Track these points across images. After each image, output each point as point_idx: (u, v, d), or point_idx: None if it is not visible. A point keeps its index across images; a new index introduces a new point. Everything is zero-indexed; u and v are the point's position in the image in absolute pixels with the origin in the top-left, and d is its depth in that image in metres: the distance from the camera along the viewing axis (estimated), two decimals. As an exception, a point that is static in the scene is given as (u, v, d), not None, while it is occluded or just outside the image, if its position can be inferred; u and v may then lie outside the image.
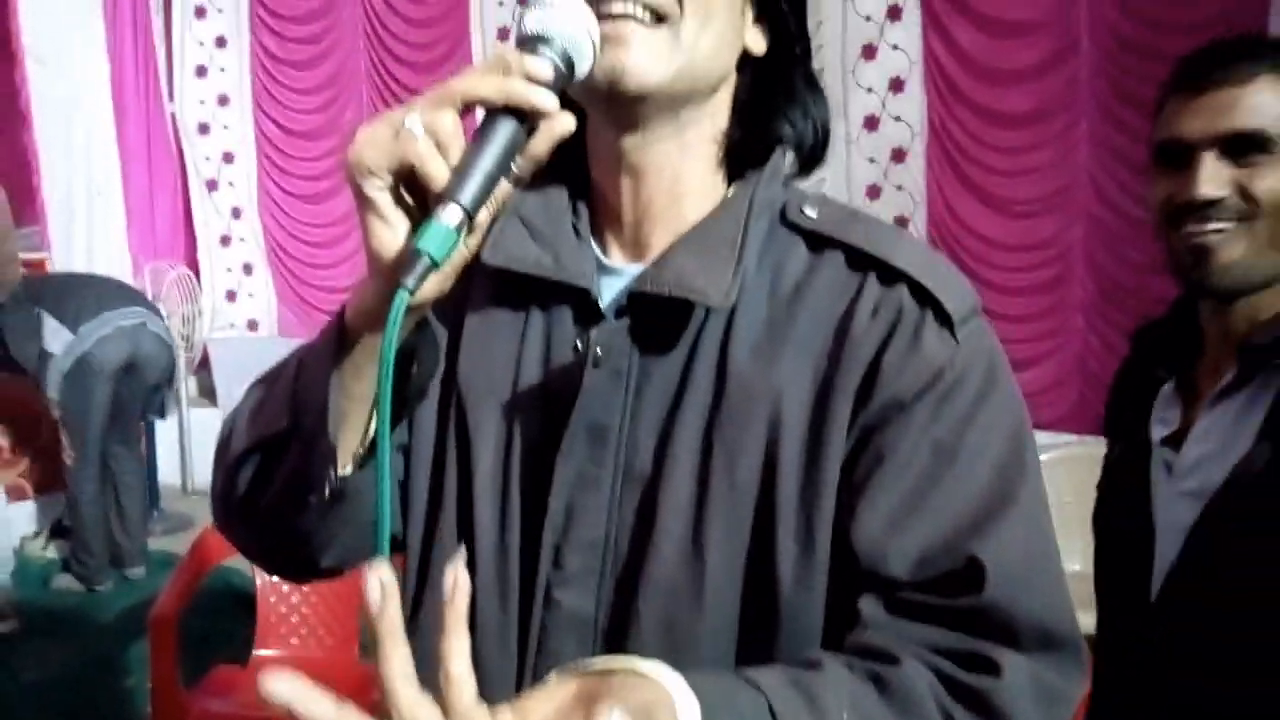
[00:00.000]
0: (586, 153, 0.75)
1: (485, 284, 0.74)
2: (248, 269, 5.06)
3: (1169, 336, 1.13)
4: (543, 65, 0.59)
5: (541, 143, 0.60)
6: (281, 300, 5.04)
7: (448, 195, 0.56)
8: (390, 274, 0.58)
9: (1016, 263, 3.78)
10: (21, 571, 3.92)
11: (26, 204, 5.19)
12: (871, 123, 3.88)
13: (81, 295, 3.63)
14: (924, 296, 0.67)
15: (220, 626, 3.03)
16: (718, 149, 0.74)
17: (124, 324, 3.67)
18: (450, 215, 0.56)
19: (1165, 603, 1.05)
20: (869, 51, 3.83)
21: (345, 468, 0.66)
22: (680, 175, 0.73)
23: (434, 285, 0.59)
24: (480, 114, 0.60)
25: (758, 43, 0.74)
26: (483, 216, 0.59)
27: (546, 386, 0.71)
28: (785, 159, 0.74)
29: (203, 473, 5.09)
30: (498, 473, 0.71)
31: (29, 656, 3.23)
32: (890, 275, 0.68)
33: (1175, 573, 1.04)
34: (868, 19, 3.81)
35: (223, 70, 4.91)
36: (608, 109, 0.70)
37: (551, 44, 0.61)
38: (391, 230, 0.59)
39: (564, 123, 0.60)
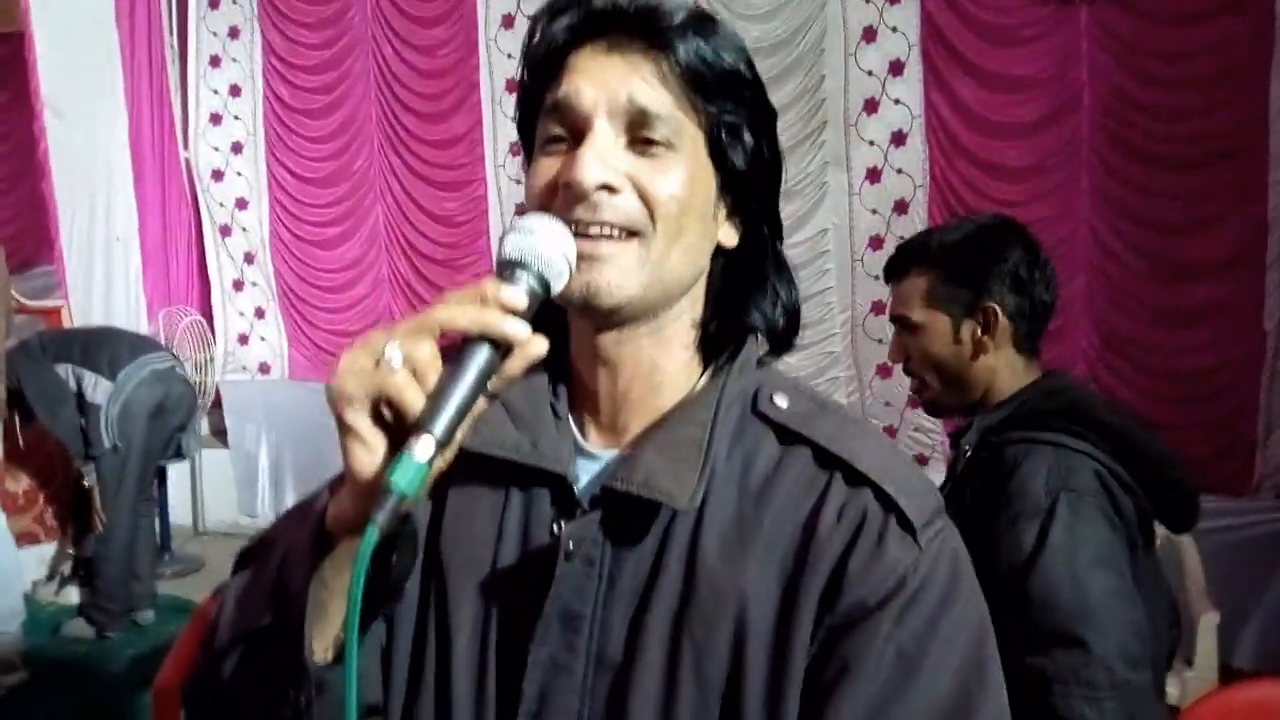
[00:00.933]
0: (568, 337, 0.78)
1: (468, 463, 0.75)
2: (260, 313, 5.12)
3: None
4: (518, 296, 0.63)
5: (516, 366, 0.63)
6: (292, 343, 5.09)
7: (422, 426, 0.59)
8: (366, 495, 0.61)
9: (1019, 314, 3.79)
10: (31, 619, 3.94)
11: (45, 251, 5.28)
12: (874, 175, 3.92)
13: (112, 345, 3.69)
14: (887, 501, 0.69)
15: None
16: (693, 337, 0.77)
17: (158, 367, 3.75)
18: (423, 448, 0.58)
19: None
20: (871, 105, 3.87)
21: (327, 654, 0.68)
22: (656, 365, 0.75)
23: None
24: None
25: (730, 237, 0.77)
26: (459, 434, 0.61)
27: (523, 569, 0.74)
28: (756, 347, 0.78)
29: (214, 513, 5.14)
30: (474, 652, 0.73)
31: (38, 708, 3.25)
32: (855, 477, 0.70)
33: None
34: (870, 74, 3.85)
35: (237, 118, 4.99)
36: (583, 316, 0.73)
37: (529, 268, 0.65)
38: (370, 452, 0.62)
39: (537, 348, 0.63)
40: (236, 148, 5.01)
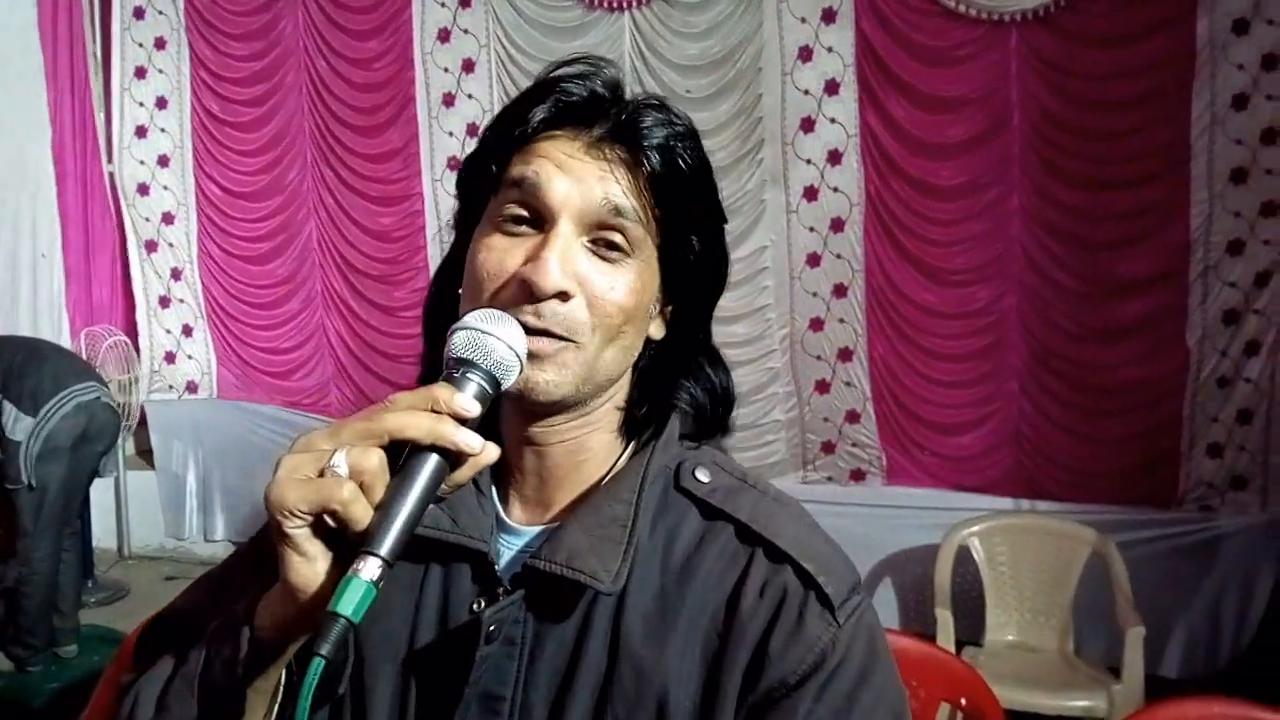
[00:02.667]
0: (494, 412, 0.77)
1: None
2: (187, 330, 4.98)
3: None
4: (470, 404, 0.62)
5: (465, 474, 0.62)
6: (221, 362, 4.96)
7: (368, 546, 0.57)
8: (307, 609, 0.60)
9: (952, 330, 3.85)
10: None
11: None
12: (811, 193, 3.95)
13: (35, 375, 3.55)
14: (807, 579, 0.70)
15: None
16: (618, 419, 0.78)
17: (83, 399, 3.61)
18: (369, 569, 0.57)
19: None
20: (808, 124, 3.90)
21: None
22: (582, 445, 0.76)
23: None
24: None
25: (659, 331, 0.79)
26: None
27: (441, 649, 0.72)
28: (679, 425, 0.78)
29: (140, 537, 4.99)
30: None
31: (-52, 749, 3.13)
32: (776, 555, 0.71)
33: None
34: (806, 93, 3.88)
35: (163, 131, 4.85)
36: (516, 406, 0.73)
37: (479, 366, 0.65)
38: (310, 565, 0.60)
39: (488, 456, 0.62)
40: (163, 161, 4.87)
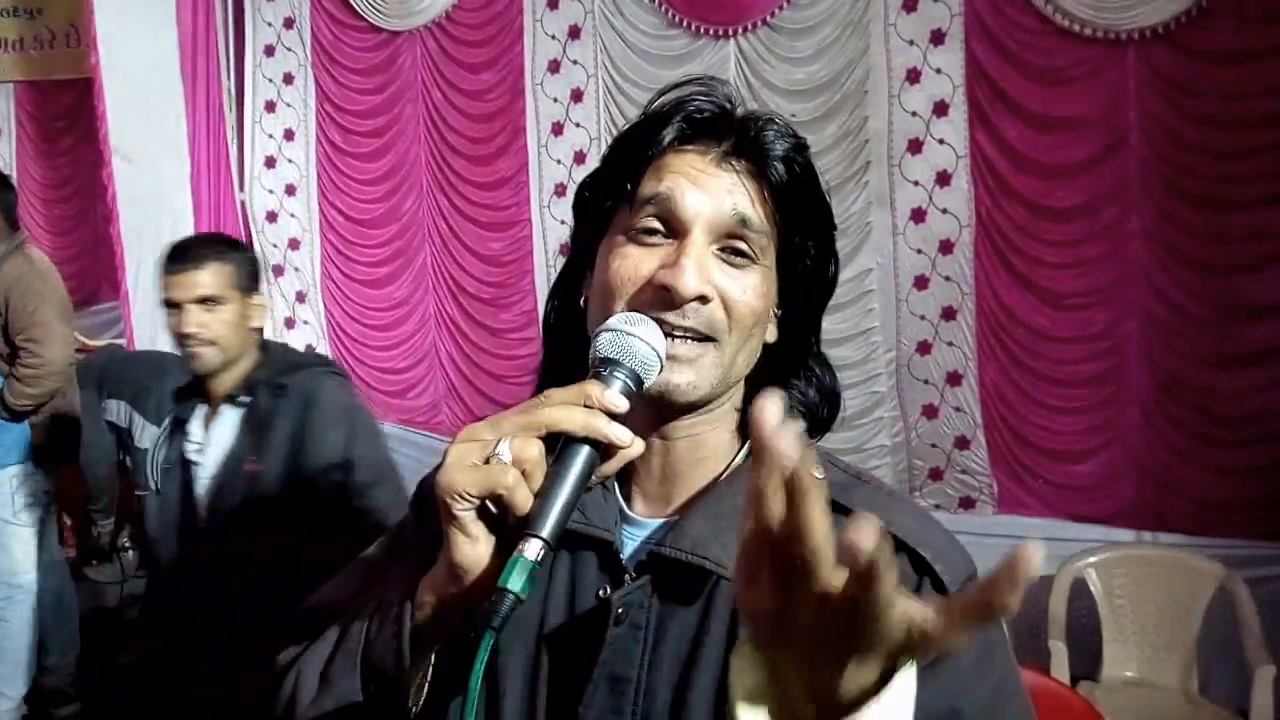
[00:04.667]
0: None
1: None
2: (310, 350, 5.22)
3: None
4: (619, 400, 0.67)
5: (613, 466, 0.68)
6: (341, 381, 5.17)
7: (532, 528, 0.62)
8: (468, 588, 0.65)
9: (1068, 355, 3.74)
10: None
11: (105, 290, 5.46)
12: (919, 215, 3.90)
13: (163, 388, 3.77)
14: (923, 565, 0.72)
15: None
16: (737, 417, 0.82)
17: None
18: (533, 550, 0.62)
19: None
20: (915, 146, 3.87)
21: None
22: (703, 442, 0.80)
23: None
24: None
25: (772, 334, 0.83)
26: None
27: (570, 631, 0.76)
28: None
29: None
30: (523, 710, 0.76)
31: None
32: (893, 543, 0.72)
33: None
34: (914, 115, 3.85)
35: (290, 161, 5.12)
36: (650, 405, 0.77)
37: (623, 366, 0.70)
38: (474, 546, 0.65)
39: (636, 448, 0.68)
40: (290, 190, 5.14)
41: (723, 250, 0.77)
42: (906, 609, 0.50)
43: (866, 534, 0.47)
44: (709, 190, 0.76)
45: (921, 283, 3.93)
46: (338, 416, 2.08)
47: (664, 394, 0.74)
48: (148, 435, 3.69)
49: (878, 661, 0.51)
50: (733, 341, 0.76)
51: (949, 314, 3.90)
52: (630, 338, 0.70)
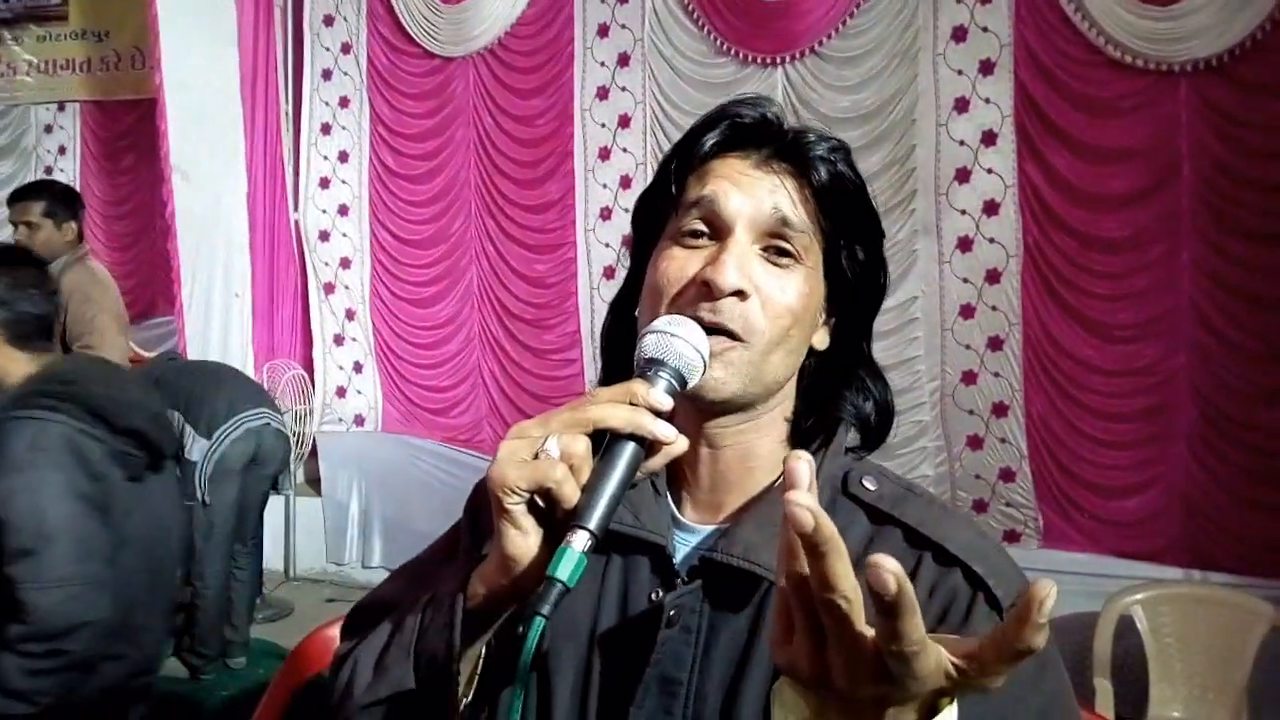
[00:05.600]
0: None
1: None
2: (358, 367, 5.31)
3: None
4: (664, 399, 0.69)
5: (658, 462, 0.69)
6: (386, 398, 5.25)
7: (579, 520, 0.64)
8: (518, 580, 0.67)
9: (1115, 388, 3.70)
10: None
11: (160, 304, 5.59)
12: (965, 244, 3.89)
13: (212, 402, 3.85)
14: (976, 581, 0.73)
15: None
16: (786, 426, 0.83)
17: (252, 424, 3.89)
18: (580, 541, 0.64)
19: None
20: (963, 175, 3.86)
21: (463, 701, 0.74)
22: (753, 450, 0.81)
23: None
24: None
25: (823, 341, 0.84)
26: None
27: (623, 633, 0.78)
28: (846, 435, 0.82)
29: (304, 559, 5.28)
30: (575, 710, 0.78)
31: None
32: (945, 558, 0.74)
33: None
34: (962, 144, 3.86)
35: (344, 182, 5.23)
36: (692, 404, 0.78)
37: (668, 366, 0.71)
38: (525, 538, 0.67)
39: (680, 447, 0.69)
40: (343, 210, 5.24)
41: (766, 250, 0.79)
42: (939, 655, 0.50)
43: (887, 576, 0.48)
44: (751, 192, 0.78)
45: (967, 311, 3.91)
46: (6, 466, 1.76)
47: (695, 391, 0.75)
48: (197, 448, 3.78)
49: (915, 707, 0.52)
50: (764, 342, 0.76)
51: (995, 344, 3.87)
52: (674, 339, 0.72)
